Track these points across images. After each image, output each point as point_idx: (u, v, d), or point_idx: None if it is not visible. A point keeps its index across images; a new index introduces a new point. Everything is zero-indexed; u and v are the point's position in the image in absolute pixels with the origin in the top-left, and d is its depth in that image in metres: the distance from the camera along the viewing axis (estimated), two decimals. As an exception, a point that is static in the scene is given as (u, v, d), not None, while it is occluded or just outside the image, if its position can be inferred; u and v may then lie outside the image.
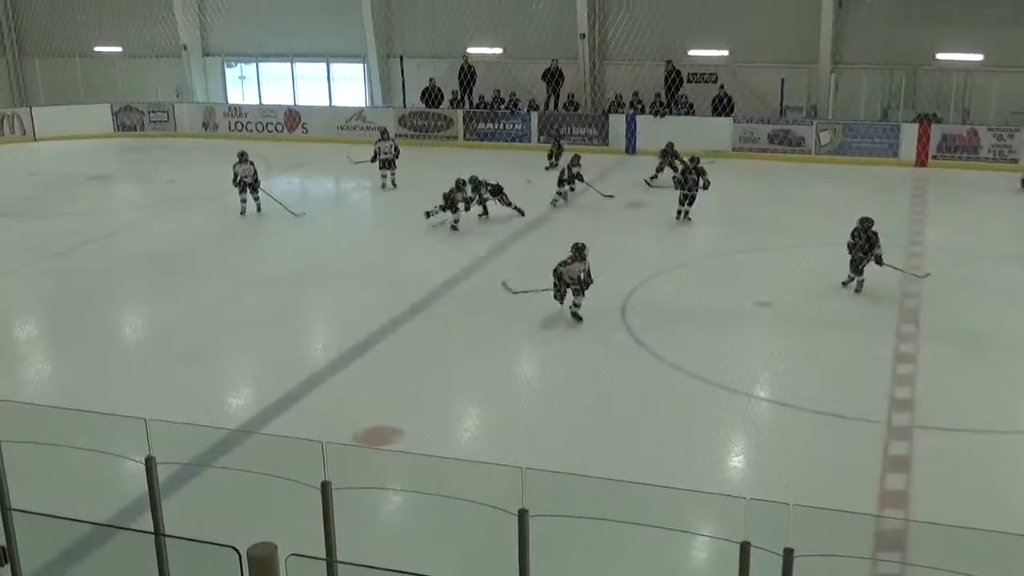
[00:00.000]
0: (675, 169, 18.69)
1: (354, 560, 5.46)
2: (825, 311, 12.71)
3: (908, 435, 9.36)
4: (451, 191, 16.75)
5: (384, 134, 20.87)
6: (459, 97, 25.72)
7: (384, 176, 20.28)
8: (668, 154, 19.85)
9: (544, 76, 25.06)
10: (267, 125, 26.88)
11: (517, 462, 5.68)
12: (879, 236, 13.17)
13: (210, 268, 15.16)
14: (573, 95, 25.02)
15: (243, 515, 7.58)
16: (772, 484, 8.15)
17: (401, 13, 26.38)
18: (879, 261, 13.16)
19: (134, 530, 6.73)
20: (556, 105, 25.19)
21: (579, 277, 12.15)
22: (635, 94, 24.46)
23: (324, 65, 27.97)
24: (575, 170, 18.42)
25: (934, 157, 21.86)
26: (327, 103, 27.89)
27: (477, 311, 12.85)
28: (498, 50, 25.61)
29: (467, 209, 16.97)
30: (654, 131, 22.85)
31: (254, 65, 28.90)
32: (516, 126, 24.89)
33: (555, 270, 12.20)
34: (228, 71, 29.29)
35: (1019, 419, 10.03)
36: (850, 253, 13.26)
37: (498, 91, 25.57)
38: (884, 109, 23.22)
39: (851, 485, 8.29)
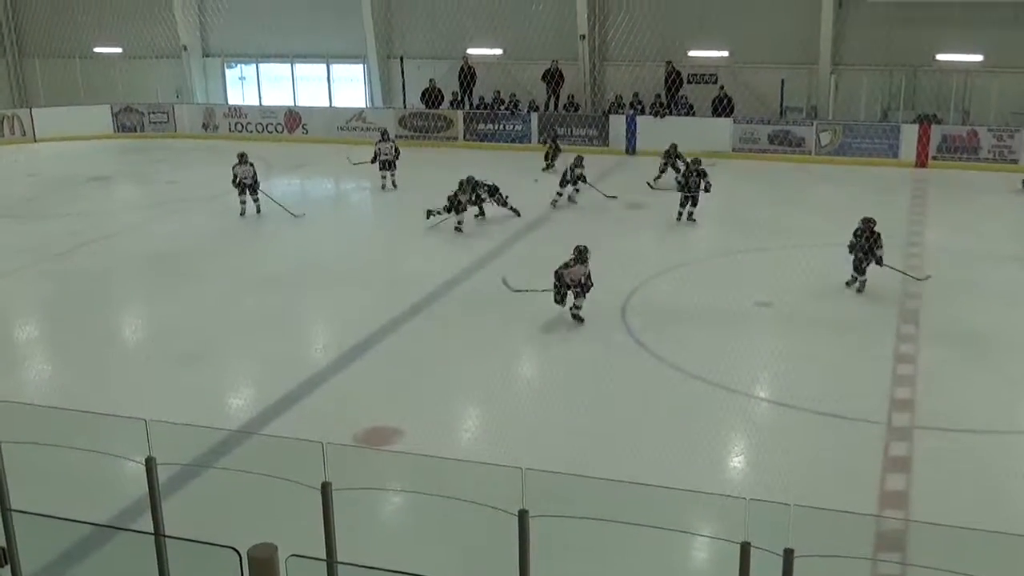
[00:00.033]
0: (677, 171, 18.69)
1: (354, 561, 5.46)
2: (825, 311, 12.71)
3: (908, 435, 9.36)
4: (455, 193, 16.75)
5: (384, 135, 20.86)
6: (459, 98, 25.72)
7: (384, 177, 20.27)
8: (671, 155, 19.83)
9: (544, 77, 25.05)
10: (267, 126, 26.88)
11: (517, 462, 5.68)
12: (881, 236, 13.17)
13: (210, 269, 15.16)
14: (573, 96, 25.02)
15: (243, 516, 7.58)
16: (772, 484, 8.15)
17: (401, 14, 26.39)
18: (879, 262, 13.17)
19: (134, 531, 6.73)
20: (556, 106, 25.19)
21: (580, 280, 12.14)
22: (635, 95, 24.45)
23: (324, 66, 27.97)
24: (578, 171, 18.39)
25: (934, 158, 21.86)
26: (327, 104, 27.89)
27: (477, 311, 12.85)
28: (498, 51, 25.61)
29: (467, 209, 16.95)
30: (654, 132, 22.88)
31: (254, 66, 28.89)
32: (516, 127, 24.89)
33: (556, 272, 12.18)
34: (228, 72, 29.28)
35: (1019, 420, 10.03)
36: (851, 253, 13.26)
37: (498, 92, 25.57)
38: (884, 110, 23.22)
39: (851, 485, 8.29)
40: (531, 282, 12.85)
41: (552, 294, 12.23)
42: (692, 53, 23.91)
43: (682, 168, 18.24)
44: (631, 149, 23.75)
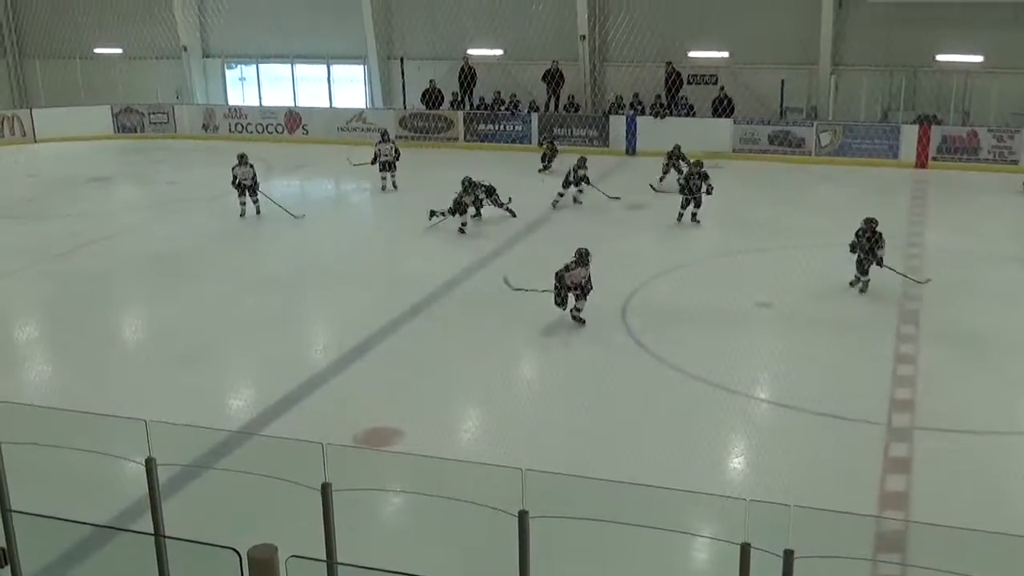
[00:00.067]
0: (680, 172, 18.67)
1: (354, 562, 5.46)
2: (825, 312, 12.71)
3: (908, 436, 9.36)
4: (459, 195, 16.74)
5: (384, 136, 20.86)
6: (459, 98, 25.72)
7: (384, 178, 20.27)
8: (674, 156, 19.80)
9: (544, 77, 25.06)
10: (267, 127, 26.88)
11: (517, 463, 5.68)
12: (883, 237, 13.17)
13: (210, 269, 15.16)
14: (573, 96, 25.03)
15: (243, 517, 7.57)
16: (772, 485, 8.15)
17: (401, 15, 26.39)
18: (880, 263, 13.16)
19: (134, 531, 6.72)
20: (556, 106, 25.19)
21: (581, 283, 12.13)
22: (635, 95, 24.46)
23: (324, 66, 27.98)
24: (581, 172, 18.37)
25: (934, 158, 21.85)
26: (327, 105, 27.90)
27: (477, 312, 12.85)
28: (498, 51, 25.61)
29: (467, 210, 16.95)
30: (654, 132, 22.90)
31: (254, 66, 28.90)
32: (516, 127, 24.89)
33: (557, 274, 12.16)
34: (228, 72, 29.30)
35: (1019, 420, 10.03)
36: (853, 253, 13.26)
37: (498, 92, 25.58)
38: (884, 110, 23.23)
39: (851, 486, 8.29)
40: (531, 283, 12.85)
41: (553, 296, 12.23)
42: (692, 54, 23.91)
43: (685, 170, 18.23)
44: (631, 150, 23.74)
